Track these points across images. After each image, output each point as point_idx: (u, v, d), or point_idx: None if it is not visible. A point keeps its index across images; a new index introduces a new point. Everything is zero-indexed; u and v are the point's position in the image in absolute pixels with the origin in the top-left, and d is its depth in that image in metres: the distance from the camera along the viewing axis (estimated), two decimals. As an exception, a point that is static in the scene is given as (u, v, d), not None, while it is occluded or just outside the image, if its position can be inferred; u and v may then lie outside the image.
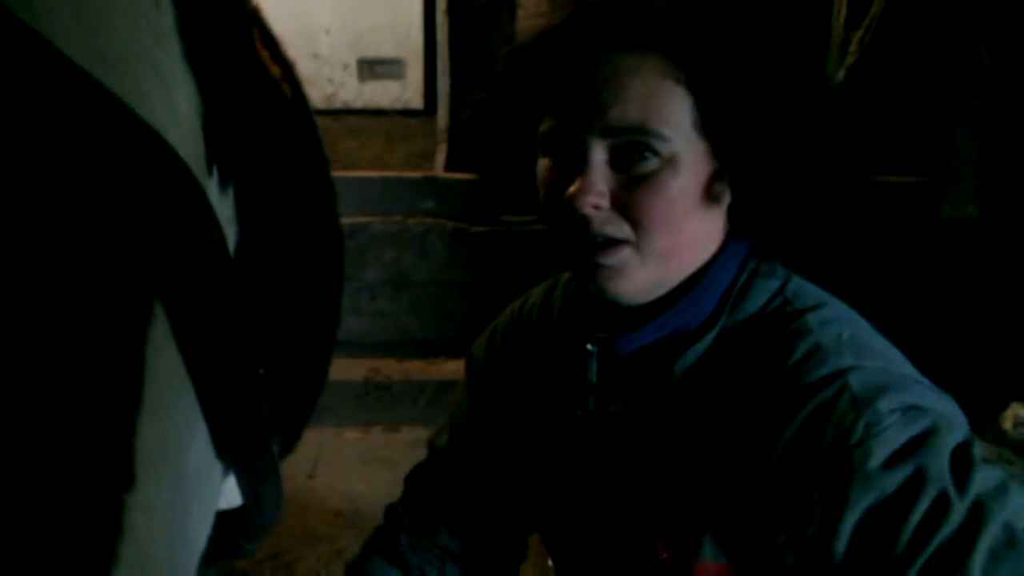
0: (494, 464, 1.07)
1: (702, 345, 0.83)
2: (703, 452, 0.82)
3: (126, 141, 0.38)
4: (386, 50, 4.93)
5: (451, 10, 3.57)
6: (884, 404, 0.72)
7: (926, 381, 0.79)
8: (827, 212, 0.86)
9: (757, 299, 0.84)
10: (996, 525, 0.68)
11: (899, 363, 0.80)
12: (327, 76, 4.91)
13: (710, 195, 0.81)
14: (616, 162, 0.79)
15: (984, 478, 0.70)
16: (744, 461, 0.78)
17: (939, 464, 0.70)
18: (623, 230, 0.79)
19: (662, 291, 0.84)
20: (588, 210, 0.78)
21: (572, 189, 0.78)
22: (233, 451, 0.52)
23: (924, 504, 0.69)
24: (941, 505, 0.69)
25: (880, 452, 0.71)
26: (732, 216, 0.85)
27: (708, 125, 0.79)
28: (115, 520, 0.38)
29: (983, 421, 2.99)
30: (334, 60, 4.89)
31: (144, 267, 0.41)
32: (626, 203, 0.79)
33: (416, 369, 3.56)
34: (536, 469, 1.00)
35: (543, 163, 0.85)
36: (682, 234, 0.81)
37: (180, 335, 0.43)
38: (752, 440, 0.78)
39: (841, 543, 0.71)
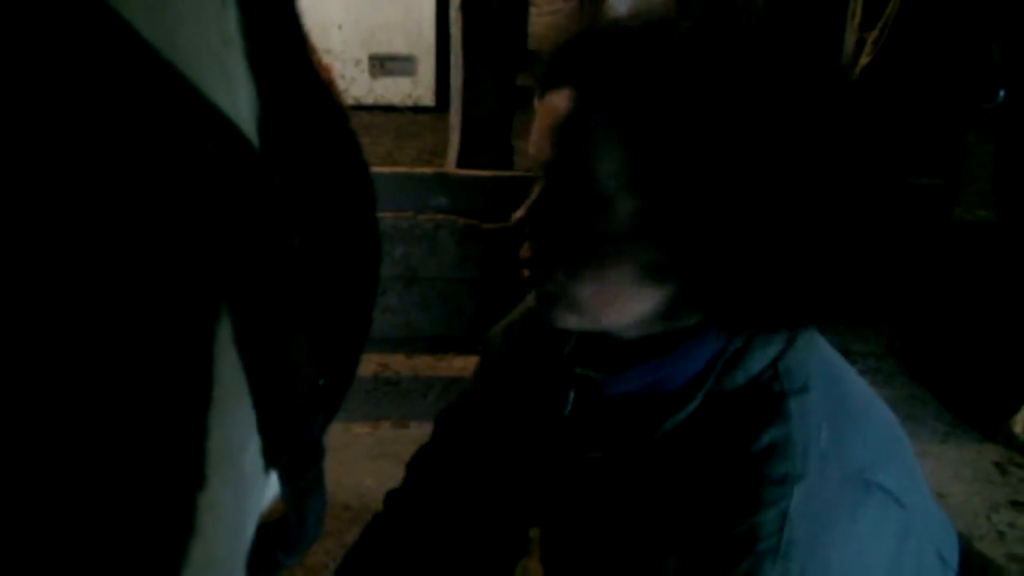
0: (491, 455, 1.07)
1: (683, 414, 0.80)
2: (660, 514, 0.82)
3: (215, 140, 0.38)
4: (398, 46, 4.92)
5: (464, 6, 3.56)
6: (799, 554, 0.72)
7: (882, 477, 0.79)
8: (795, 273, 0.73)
9: (751, 367, 0.79)
10: None
11: (871, 461, 0.79)
12: (339, 72, 4.89)
13: (629, 249, 0.74)
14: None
15: None
16: (686, 532, 0.78)
17: None
18: (538, 264, 0.79)
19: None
20: (524, 248, 0.78)
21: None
22: (286, 462, 0.52)
23: None
24: None
25: None
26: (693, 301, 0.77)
27: (637, 179, 0.70)
28: (188, 519, 0.38)
29: (995, 424, 2.98)
30: (346, 56, 4.88)
31: (220, 264, 0.40)
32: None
33: (425, 365, 3.56)
34: (523, 472, 1.02)
35: None
36: (600, 288, 0.76)
37: (245, 339, 0.43)
38: (698, 516, 0.77)
39: None
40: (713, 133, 0.66)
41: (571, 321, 0.79)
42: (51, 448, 0.33)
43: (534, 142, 0.75)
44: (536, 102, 0.76)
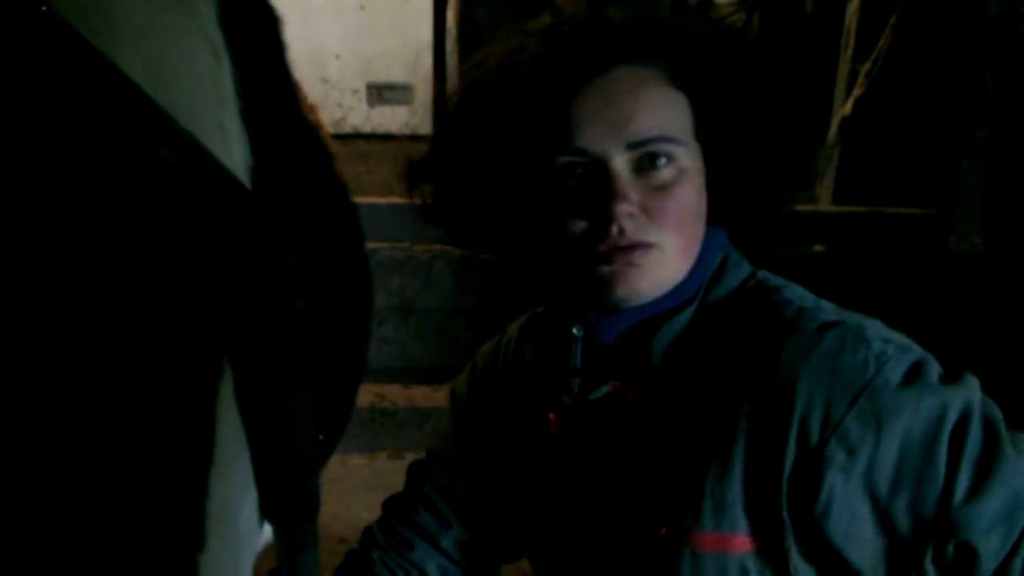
0: (476, 488, 1.09)
1: (679, 322, 0.87)
2: (696, 423, 0.84)
3: (226, 204, 0.38)
4: (395, 75, 4.95)
5: (461, 36, 3.59)
6: (877, 339, 0.80)
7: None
8: (784, 192, 0.96)
9: (731, 281, 0.90)
10: (1006, 433, 0.77)
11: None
12: (336, 101, 4.93)
13: (703, 195, 0.88)
14: (636, 172, 0.83)
15: (978, 397, 0.79)
16: (752, 419, 0.81)
17: (947, 388, 0.78)
18: (652, 233, 0.83)
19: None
20: (625, 221, 0.81)
21: (610, 205, 0.81)
22: (282, 517, 0.52)
23: (951, 421, 0.76)
24: (964, 422, 0.76)
25: (894, 379, 0.78)
26: (711, 211, 0.90)
27: (702, 130, 0.87)
28: None
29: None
30: (343, 85, 4.91)
31: (225, 324, 0.40)
32: (651, 209, 0.83)
33: (421, 396, 3.54)
34: (522, 484, 1.01)
35: (553, 200, 0.86)
36: (694, 233, 0.87)
37: (246, 399, 0.43)
38: (758, 397, 0.81)
39: (884, 472, 0.77)
40: (739, 96, 0.88)
41: (662, 274, 0.85)
42: (55, 515, 0.32)
43: (628, 114, 0.82)
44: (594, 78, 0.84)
